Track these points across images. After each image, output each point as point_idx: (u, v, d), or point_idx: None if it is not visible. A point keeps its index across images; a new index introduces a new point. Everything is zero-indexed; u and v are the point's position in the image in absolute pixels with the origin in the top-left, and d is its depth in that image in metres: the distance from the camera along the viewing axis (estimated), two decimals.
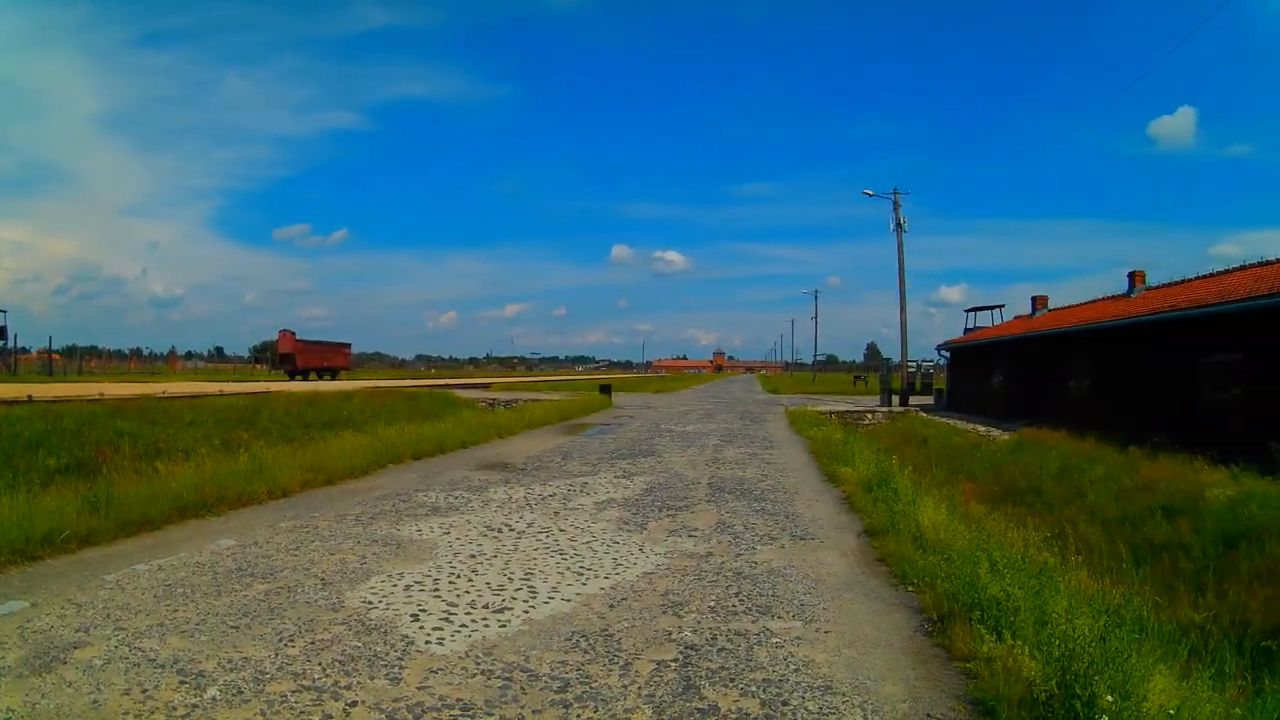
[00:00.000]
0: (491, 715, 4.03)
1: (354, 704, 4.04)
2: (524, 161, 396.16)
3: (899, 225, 41.98)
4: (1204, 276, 24.71)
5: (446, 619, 5.53)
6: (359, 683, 4.33)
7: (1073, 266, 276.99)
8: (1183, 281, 25.98)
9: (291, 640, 4.96)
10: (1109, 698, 4.15)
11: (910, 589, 6.80)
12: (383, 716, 3.96)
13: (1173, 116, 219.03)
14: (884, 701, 4.51)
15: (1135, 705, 4.16)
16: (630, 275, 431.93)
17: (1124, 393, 22.32)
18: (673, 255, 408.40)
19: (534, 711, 4.09)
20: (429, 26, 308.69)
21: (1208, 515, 12.16)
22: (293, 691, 4.16)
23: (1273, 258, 21.58)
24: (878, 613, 6.13)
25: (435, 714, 4.01)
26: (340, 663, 4.61)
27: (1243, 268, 22.60)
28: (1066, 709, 4.19)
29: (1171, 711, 4.19)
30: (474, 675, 4.54)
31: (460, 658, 4.80)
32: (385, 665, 4.61)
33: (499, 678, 4.53)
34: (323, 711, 3.95)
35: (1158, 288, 27.56)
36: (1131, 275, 29.60)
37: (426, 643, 5.02)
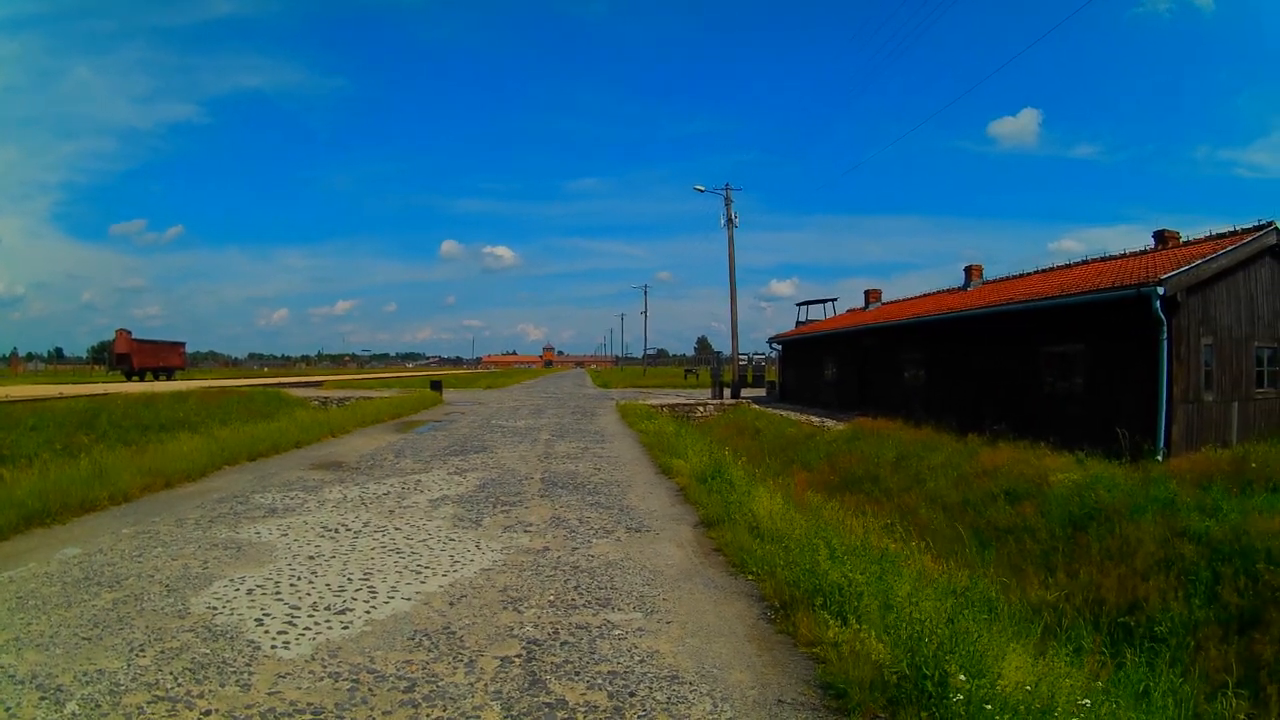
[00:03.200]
0: (342, 718, 4.49)
1: (208, 713, 4.49)
2: (357, 156, 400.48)
3: (730, 221, 45.53)
4: (1041, 271, 28.08)
5: (290, 622, 6.04)
6: (211, 690, 4.78)
7: (907, 262, 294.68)
8: (1019, 276, 29.25)
9: (142, 650, 5.40)
10: (961, 676, 4.64)
11: (750, 578, 7.66)
12: None
13: (1015, 118, 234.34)
14: (732, 689, 5.05)
15: (990, 683, 4.68)
16: (460, 271, 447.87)
17: (962, 383, 24.84)
18: (503, 251, 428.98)
19: (384, 713, 4.57)
20: (269, 16, 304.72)
21: (1053, 499, 13.41)
22: (148, 703, 4.60)
23: (1114, 253, 24.96)
24: (719, 602, 6.94)
25: (288, 718, 4.47)
26: (191, 671, 5.05)
27: (1084, 262, 25.82)
28: (919, 689, 4.70)
29: (1029, 687, 4.68)
30: (321, 679, 5.01)
31: (307, 661, 5.28)
32: (234, 672, 5.07)
33: (346, 680, 5.02)
34: None
35: (994, 281, 30.94)
36: (968, 269, 32.86)
37: (273, 647, 5.51)
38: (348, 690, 4.85)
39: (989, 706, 4.38)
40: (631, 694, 4.91)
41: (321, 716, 4.49)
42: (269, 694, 4.75)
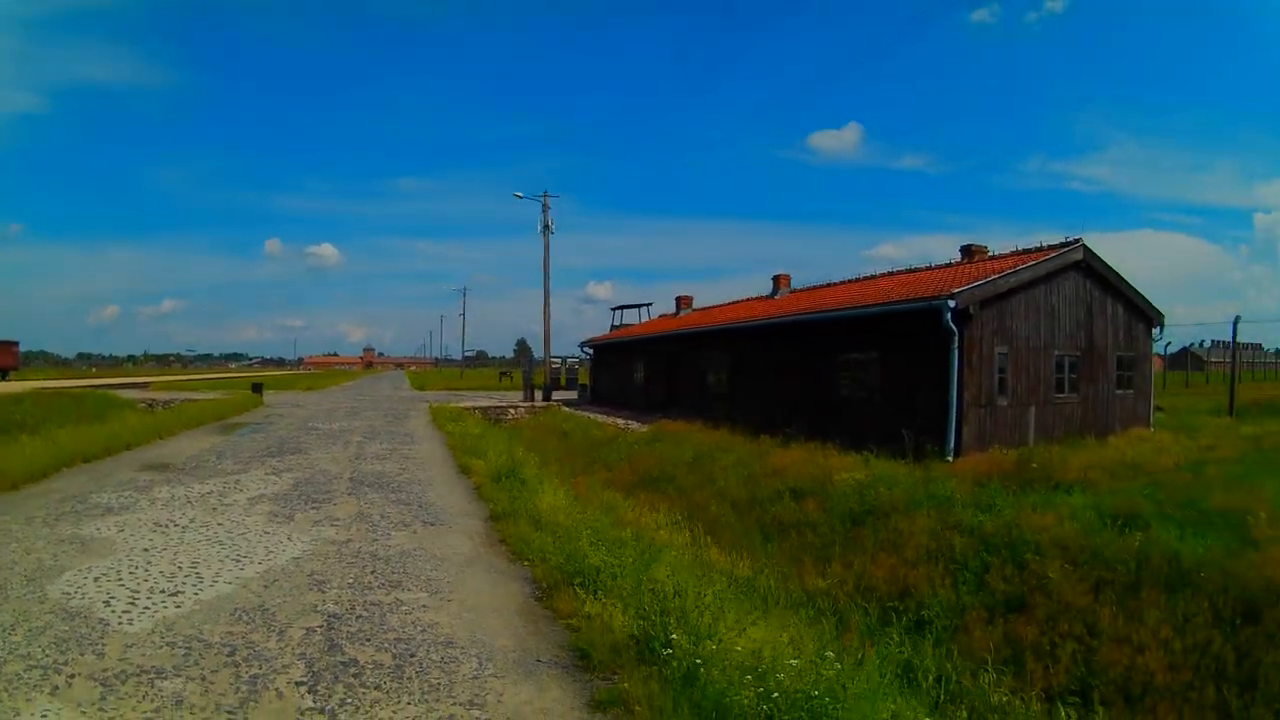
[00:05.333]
0: (180, 676, 6.18)
1: (74, 675, 6.11)
2: (187, 150, 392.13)
3: (546, 227, 49.14)
4: (845, 282, 31.04)
5: (132, 603, 7.76)
6: (73, 659, 6.41)
7: (726, 266, 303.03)
8: (824, 286, 32.31)
9: (13, 629, 7.03)
10: (681, 639, 6.38)
11: (526, 564, 9.76)
12: (97, 684, 5.99)
13: (839, 131, 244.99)
14: (497, 652, 6.88)
15: (715, 645, 6.32)
16: (284, 270, 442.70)
17: (763, 387, 27.71)
18: (326, 250, 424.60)
19: (212, 670, 6.29)
20: (113, 4, 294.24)
21: (836, 496, 15.55)
22: (25, 670, 6.21)
23: (921, 265, 27.92)
24: (496, 584, 8.96)
25: (136, 679, 6.09)
26: (55, 644, 6.69)
27: (889, 274, 28.77)
28: (648, 649, 6.50)
29: (752, 650, 6.35)
30: (161, 647, 6.71)
31: (149, 634, 6.98)
32: (91, 644, 6.72)
33: (181, 647, 6.73)
34: (50, 683, 5.97)
35: (800, 290, 33.77)
36: (776, 278, 35.74)
37: (120, 624, 7.19)
38: (183, 655, 6.53)
39: (699, 662, 6.01)
40: (412, 655, 6.69)
41: (163, 675, 6.12)
42: (120, 660, 6.38)
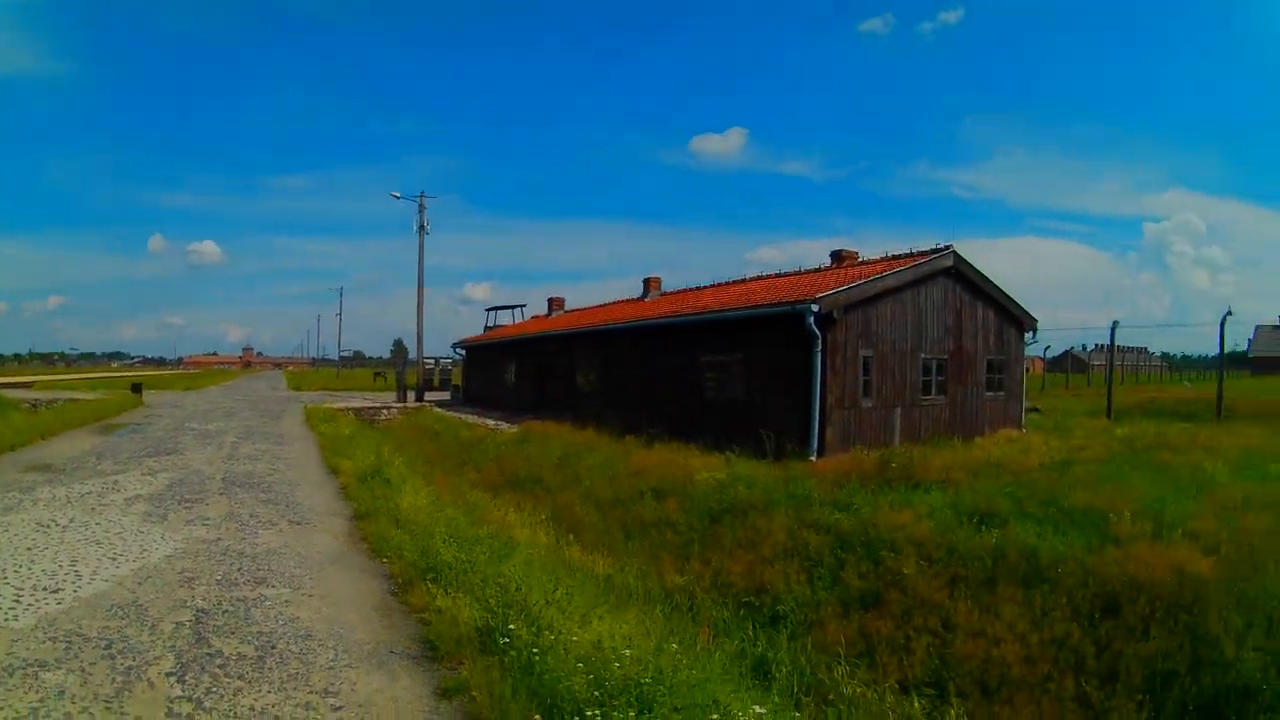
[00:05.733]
0: (62, 668, 7.00)
1: None
2: (74, 145, 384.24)
3: (421, 227, 50.38)
4: (716, 285, 32.60)
5: (17, 600, 8.64)
6: None
7: (605, 267, 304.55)
8: (695, 289, 33.82)
9: None
10: (521, 631, 7.15)
11: (384, 561, 10.84)
12: None
13: (723, 135, 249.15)
14: (353, 644, 7.72)
15: (553, 636, 7.01)
16: (167, 267, 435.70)
17: (631, 388, 29.09)
18: (208, 247, 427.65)
19: (90, 662, 7.12)
20: None
21: (696, 496, 16.51)
22: None
23: (789, 270, 29.53)
24: (356, 580, 10.04)
25: (22, 671, 6.83)
26: None
27: (759, 278, 30.25)
28: (491, 640, 7.26)
29: (593, 641, 6.99)
30: (44, 641, 7.56)
31: (32, 629, 7.85)
32: None
33: (62, 641, 7.58)
34: None
35: (671, 293, 35.36)
36: (646, 281, 37.31)
37: (5, 620, 8.06)
38: (64, 648, 7.37)
39: (536, 652, 6.69)
40: (273, 647, 7.54)
41: (46, 667, 6.91)
42: (6, 654, 7.15)
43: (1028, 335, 28.96)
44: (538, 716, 5.88)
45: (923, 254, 24.19)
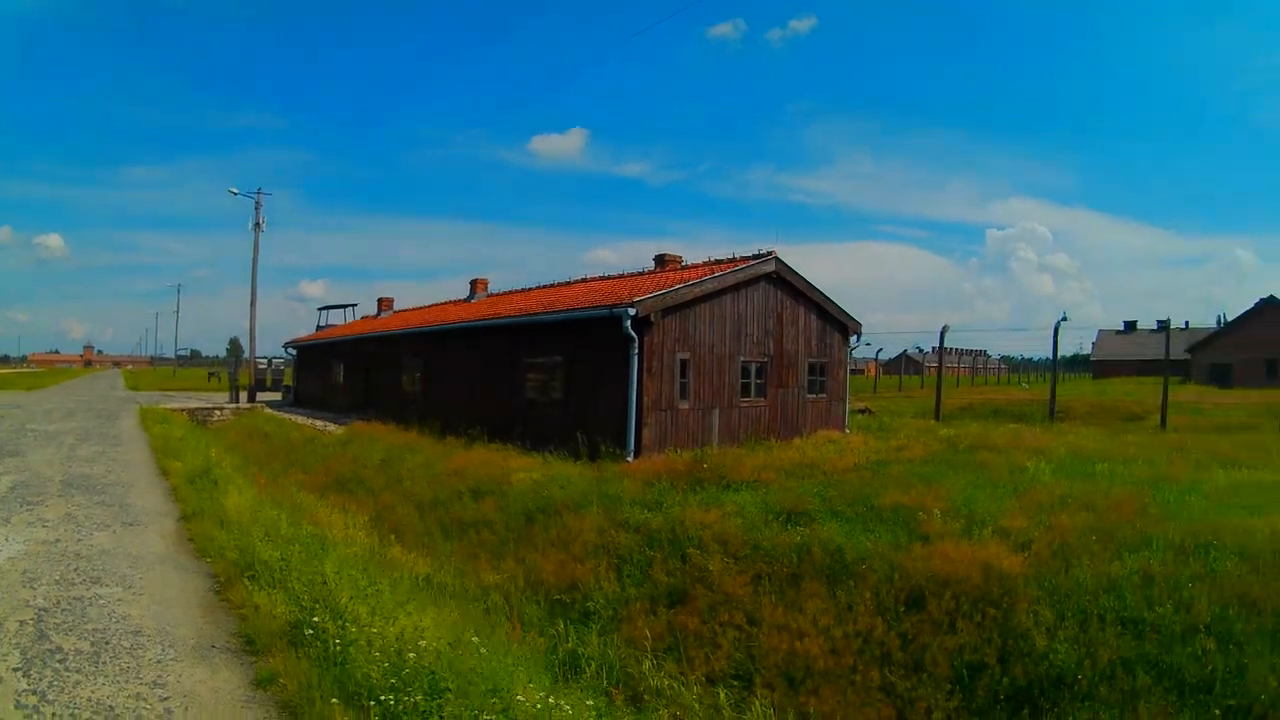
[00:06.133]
0: None
1: None
2: None
3: (257, 225, 50.90)
4: (541, 286, 33.91)
5: None
6: None
7: (443, 266, 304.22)
8: (520, 290, 35.18)
9: None
10: (328, 624, 8.06)
11: (208, 560, 11.90)
12: None
13: (564, 135, 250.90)
14: (179, 639, 8.51)
15: (357, 629, 7.95)
16: (13, 260, 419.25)
17: (454, 389, 30.29)
18: (54, 240, 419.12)
19: None
20: None
21: (513, 495, 17.47)
22: None
23: (613, 274, 30.85)
24: (182, 579, 11.08)
25: None
26: None
27: (583, 280, 31.69)
28: (301, 633, 8.12)
29: (397, 634, 7.98)
30: None
31: None
32: None
33: None
34: None
35: (497, 294, 36.71)
36: (473, 282, 38.75)
37: None
38: None
39: (339, 644, 7.58)
40: (108, 643, 8.26)
41: None
42: None
43: (852, 339, 30.74)
44: (335, 700, 6.66)
45: (745, 259, 25.63)
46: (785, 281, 26.64)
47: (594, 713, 7.72)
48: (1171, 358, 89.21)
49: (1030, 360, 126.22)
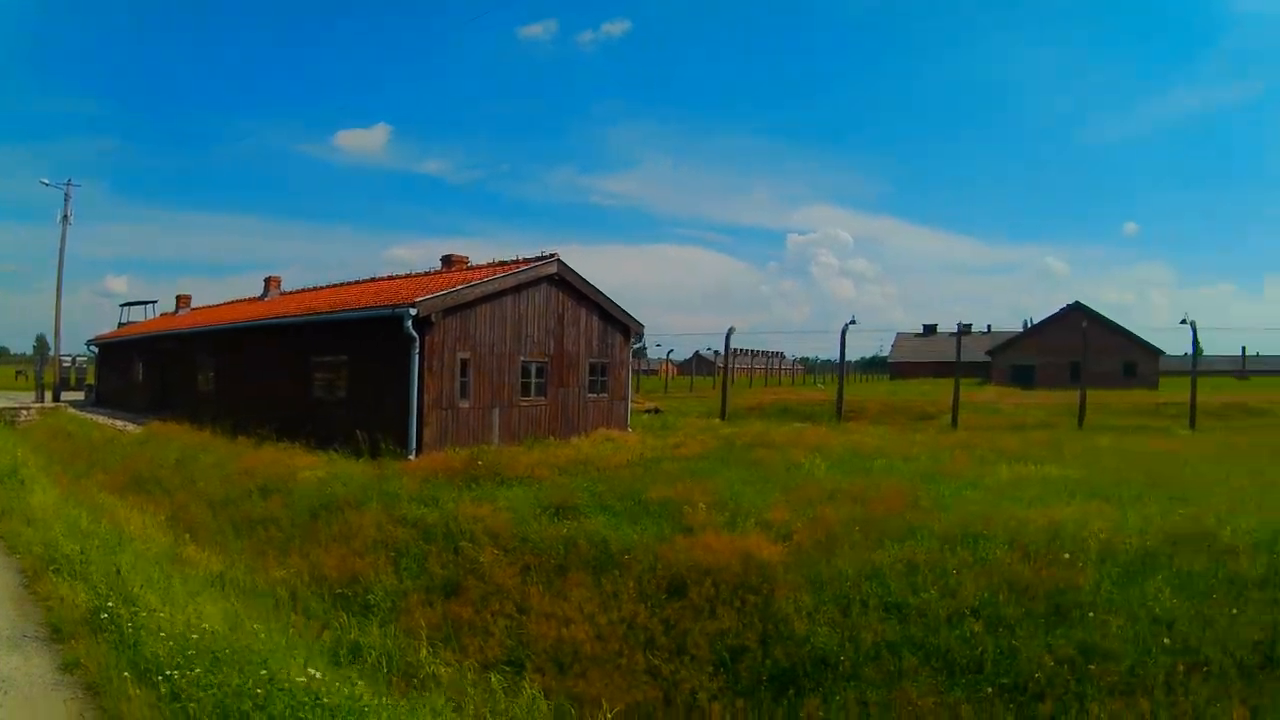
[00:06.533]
0: None
1: None
2: None
3: (66, 217, 50.27)
4: (333, 285, 34.98)
5: None
6: None
7: (253, 261, 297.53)
8: (312, 289, 36.03)
9: None
10: (122, 612, 9.04)
11: (17, 556, 12.86)
12: None
13: (368, 130, 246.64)
14: None
15: (150, 615, 8.92)
16: None
17: (247, 388, 30.80)
18: None
19: None
20: None
21: (298, 493, 18.14)
22: None
23: (400, 273, 31.91)
24: None
25: None
26: None
27: (373, 280, 32.83)
28: (99, 619, 9.04)
29: (186, 620, 9.01)
30: None
31: None
32: None
33: None
34: None
35: (290, 292, 37.54)
36: (267, 280, 39.34)
37: None
38: None
39: (131, 627, 8.56)
40: None
41: None
42: None
43: (634, 339, 32.42)
44: (126, 674, 7.57)
45: (528, 261, 26.82)
46: (567, 283, 27.96)
47: (349, 683, 8.26)
48: (973, 360, 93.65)
49: (829, 362, 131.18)
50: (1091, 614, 10.21)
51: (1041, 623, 10.17)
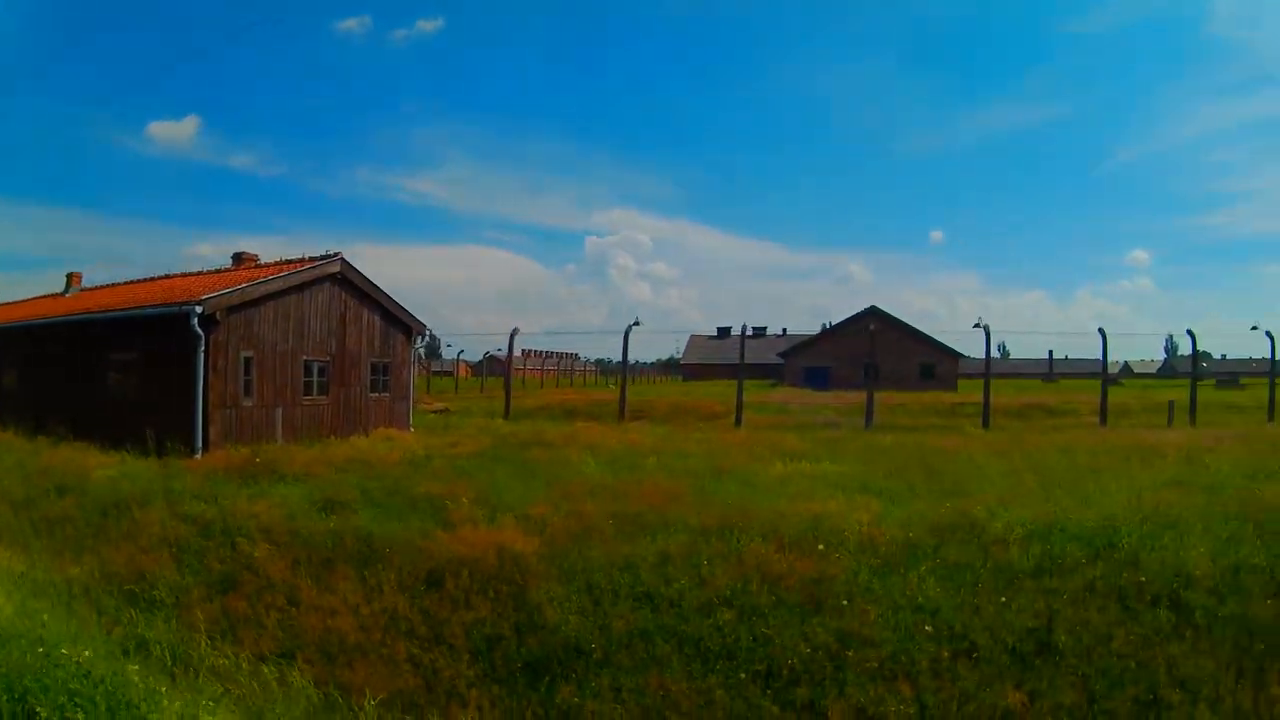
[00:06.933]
0: None
1: None
2: None
3: None
4: (130, 282, 35.14)
5: None
6: None
7: (58, 257, 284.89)
8: (110, 285, 36.22)
9: None
10: None
11: None
12: None
13: (179, 121, 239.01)
14: None
15: None
16: None
17: (48, 386, 30.49)
18: None
19: None
20: None
21: (92, 492, 18.33)
22: None
23: (193, 271, 32.59)
24: None
25: None
26: None
27: (167, 276, 33.26)
28: None
29: None
30: None
31: None
32: None
33: None
34: None
35: (89, 289, 37.33)
36: (69, 276, 38.94)
37: None
38: None
39: None
40: None
41: None
42: None
43: (416, 340, 33.79)
44: None
45: (313, 260, 27.57)
46: (350, 282, 28.84)
47: (118, 661, 8.89)
48: (768, 363, 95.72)
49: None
50: (846, 602, 11.03)
51: (797, 611, 10.94)
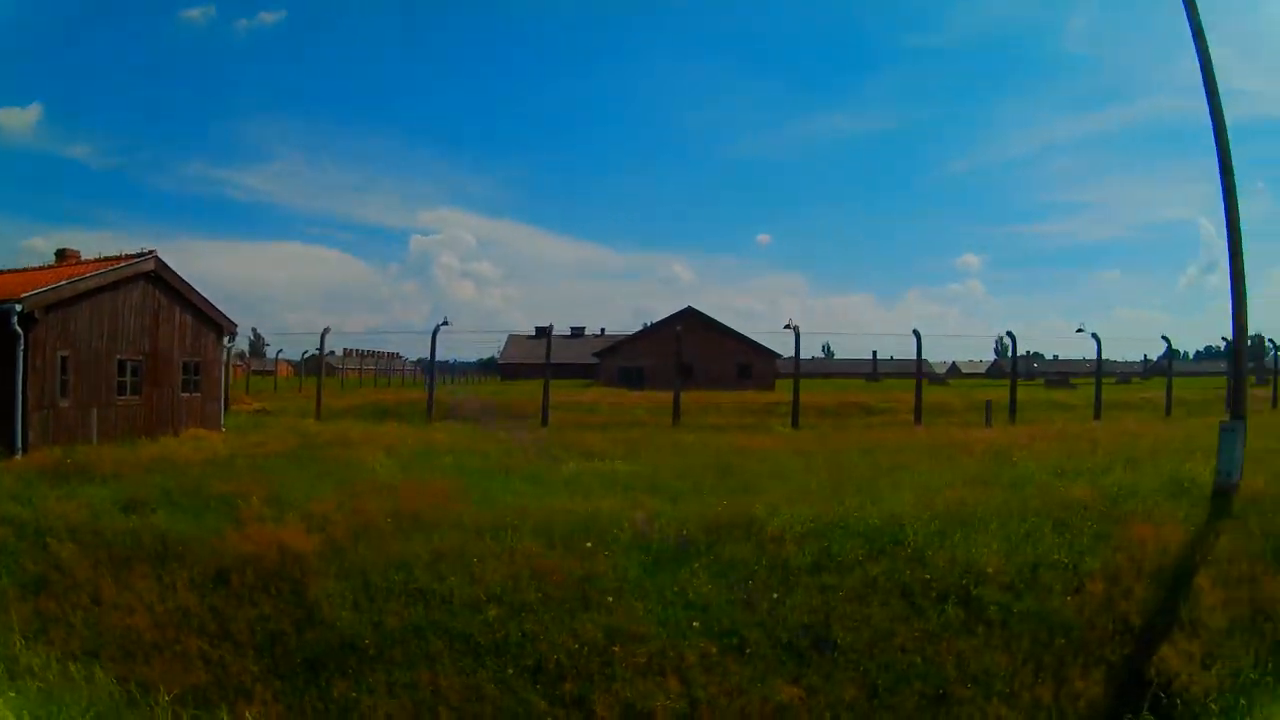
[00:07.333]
0: None
1: None
2: None
3: None
4: None
5: None
6: None
7: None
8: None
9: None
10: None
11: None
12: None
13: (24, 109, 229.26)
14: None
15: None
16: None
17: None
18: None
19: None
20: None
21: None
22: None
23: (17, 267, 30.89)
24: None
25: None
26: None
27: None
28: None
29: None
30: None
31: None
32: None
33: None
34: None
35: None
36: None
37: None
38: None
39: None
40: None
41: None
42: None
43: (226, 339, 33.63)
44: None
45: (130, 257, 27.37)
46: (164, 281, 28.62)
47: None
48: (585, 362, 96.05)
49: (445, 363, 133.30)
50: (612, 599, 11.47)
51: (565, 607, 11.33)
